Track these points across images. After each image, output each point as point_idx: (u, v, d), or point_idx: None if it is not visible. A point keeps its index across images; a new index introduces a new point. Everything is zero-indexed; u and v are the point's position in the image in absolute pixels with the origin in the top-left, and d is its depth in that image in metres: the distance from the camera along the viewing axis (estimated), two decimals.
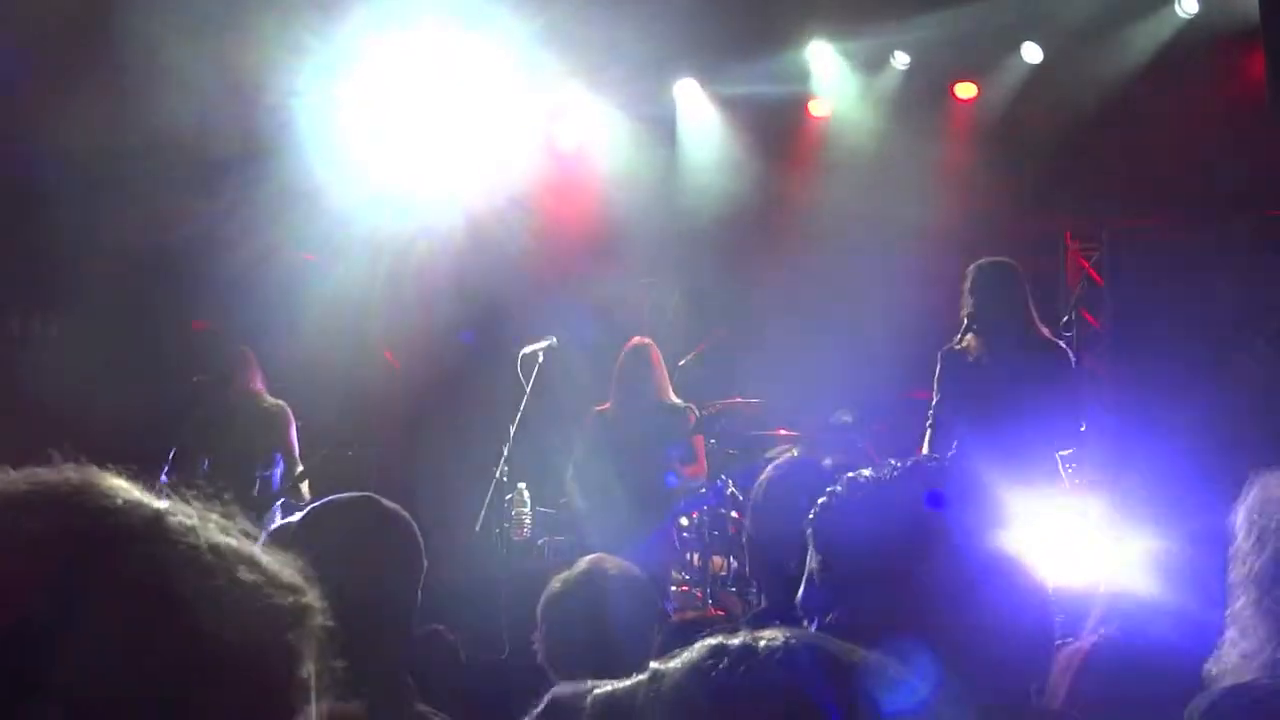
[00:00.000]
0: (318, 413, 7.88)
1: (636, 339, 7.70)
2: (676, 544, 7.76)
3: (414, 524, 2.61)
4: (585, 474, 7.52)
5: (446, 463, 8.61)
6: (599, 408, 7.63)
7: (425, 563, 2.59)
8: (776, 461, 3.61)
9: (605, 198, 10.02)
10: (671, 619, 6.01)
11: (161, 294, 8.84)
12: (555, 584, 3.42)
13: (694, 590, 7.83)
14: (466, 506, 7.76)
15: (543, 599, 3.42)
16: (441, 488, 7.99)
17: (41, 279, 8.87)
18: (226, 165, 8.66)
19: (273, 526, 3.20)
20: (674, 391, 7.68)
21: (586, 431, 7.60)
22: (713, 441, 7.96)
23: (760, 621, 2.52)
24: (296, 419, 7.59)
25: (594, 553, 3.64)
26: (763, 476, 3.42)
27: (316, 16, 8.12)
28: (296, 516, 2.73)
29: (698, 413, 7.62)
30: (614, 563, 3.48)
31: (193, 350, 8.25)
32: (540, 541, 8.20)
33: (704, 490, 7.69)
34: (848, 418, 8.05)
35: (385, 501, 2.63)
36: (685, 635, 3.33)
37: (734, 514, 7.71)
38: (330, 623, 1.00)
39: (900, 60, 9.37)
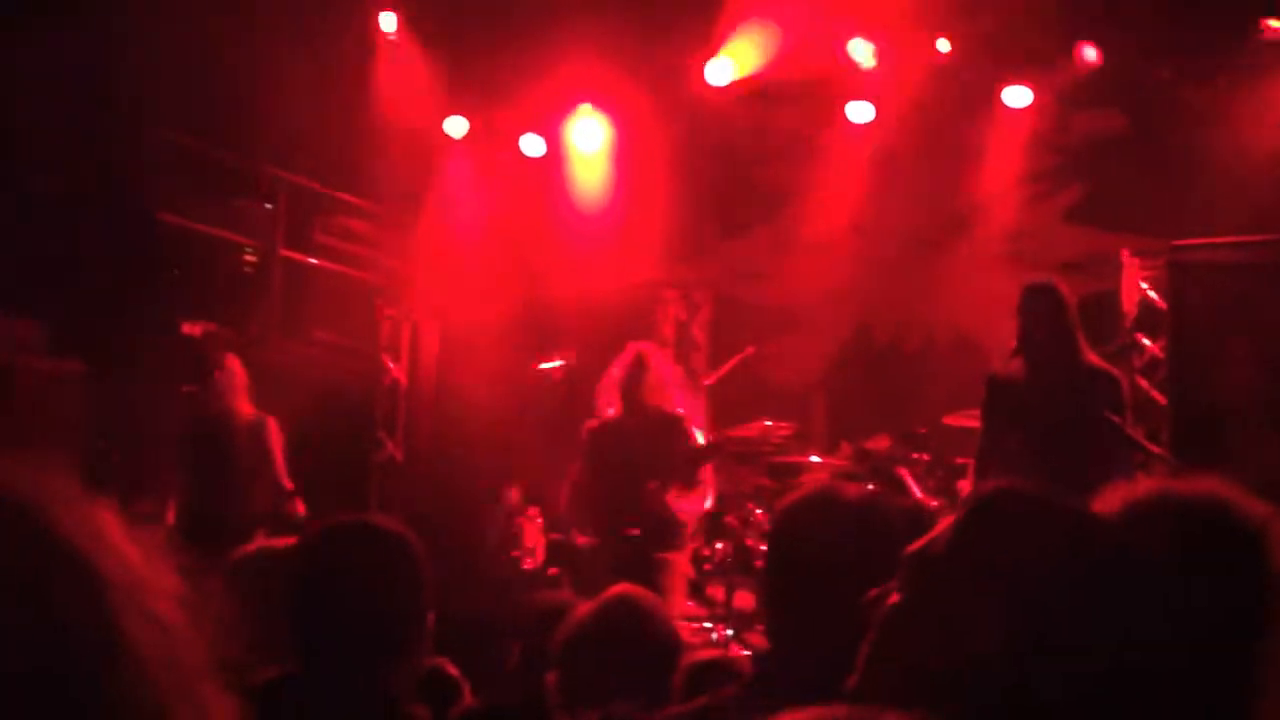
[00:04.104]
0: (312, 431, 7.43)
1: (636, 345, 7.03)
2: (695, 574, 7.18)
3: (417, 546, 2.55)
4: (580, 494, 6.92)
5: (452, 485, 8.15)
6: (590, 423, 6.97)
7: (428, 587, 2.54)
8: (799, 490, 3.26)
9: (624, 200, 9.44)
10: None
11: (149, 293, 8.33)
12: (576, 618, 3.20)
13: (715, 628, 7.37)
14: (473, 532, 7.33)
15: (562, 634, 3.18)
16: (446, 512, 7.55)
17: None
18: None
19: (252, 549, 3.18)
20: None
21: (580, 449, 6.94)
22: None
23: (765, 669, 2.36)
24: (285, 433, 7.07)
25: (596, 583, 3.56)
26: (780, 504, 3.07)
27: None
28: (279, 541, 2.79)
29: (697, 434, 6.92)
30: (641, 595, 3.30)
31: (176, 357, 7.77)
32: (552, 570, 7.79)
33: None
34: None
35: (385, 523, 2.61)
36: (702, 678, 2.87)
37: (763, 546, 7.20)
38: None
39: (943, 59, 8.73)
